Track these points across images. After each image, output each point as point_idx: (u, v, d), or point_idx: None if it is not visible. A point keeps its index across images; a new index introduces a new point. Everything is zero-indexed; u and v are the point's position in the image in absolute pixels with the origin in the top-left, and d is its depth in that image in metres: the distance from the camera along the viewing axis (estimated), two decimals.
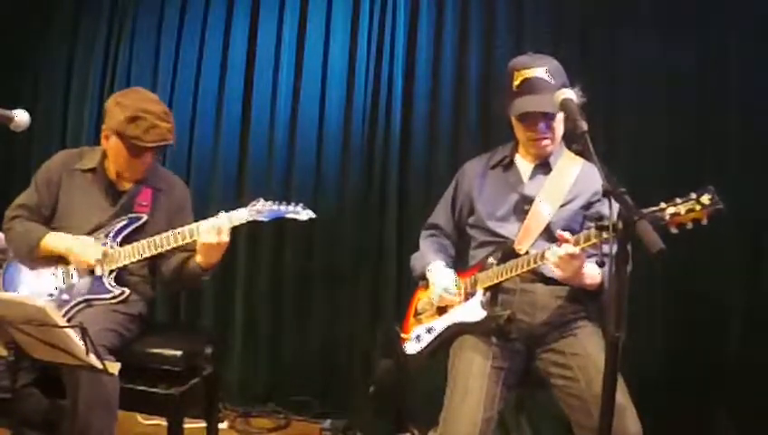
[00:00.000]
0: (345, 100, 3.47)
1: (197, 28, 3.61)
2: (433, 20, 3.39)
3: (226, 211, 2.34)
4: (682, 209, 1.70)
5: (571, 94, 1.83)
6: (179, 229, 2.34)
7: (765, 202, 2.98)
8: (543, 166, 2.22)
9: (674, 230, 1.72)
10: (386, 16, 3.42)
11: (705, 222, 1.70)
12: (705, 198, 1.68)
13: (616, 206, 1.52)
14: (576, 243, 1.90)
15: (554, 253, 1.92)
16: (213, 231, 2.26)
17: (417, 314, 2.33)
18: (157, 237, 2.35)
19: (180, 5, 3.63)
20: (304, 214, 2.41)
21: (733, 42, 3.06)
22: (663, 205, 1.73)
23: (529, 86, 2.11)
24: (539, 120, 2.13)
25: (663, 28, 3.12)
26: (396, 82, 3.40)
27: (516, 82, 2.14)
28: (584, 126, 1.68)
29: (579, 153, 2.23)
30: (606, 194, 1.54)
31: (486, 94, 3.30)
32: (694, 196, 1.70)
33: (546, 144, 2.18)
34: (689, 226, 1.70)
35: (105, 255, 2.35)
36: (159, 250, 2.35)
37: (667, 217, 1.71)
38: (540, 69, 2.11)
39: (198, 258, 2.34)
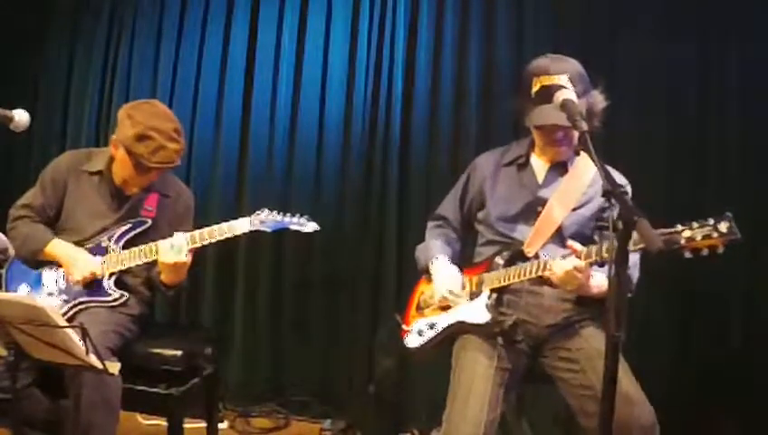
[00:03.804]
0: (345, 100, 3.47)
1: (197, 28, 3.61)
2: (433, 20, 3.39)
3: (230, 220, 2.34)
4: (698, 235, 1.65)
5: (570, 94, 1.81)
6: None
7: (765, 202, 2.99)
8: (559, 167, 2.17)
9: (688, 255, 1.66)
10: (386, 16, 3.42)
11: (721, 251, 1.64)
12: (723, 226, 1.63)
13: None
14: (587, 256, 1.87)
15: (560, 266, 1.90)
16: (171, 251, 2.25)
17: (419, 307, 2.31)
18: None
19: (180, 6, 3.63)
20: (309, 226, 2.40)
21: (733, 42, 3.06)
22: (679, 227, 1.68)
23: (548, 95, 1.96)
24: (557, 129, 2.06)
25: (663, 28, 3.13)
26: (396, 82, 3.39)
27: (535, 89, 2.05)
28: (584, 126, 1.65)
29: (578, 153, 2.21)
30: (606, 194, 1.52)
31: (486, 94, 3.30)
32: (711, 221, 1.64)
33: (563, 150, 2.13)
34: (705, 252, 1.65)
35: (93, 274, 2.35)
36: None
37: (682, 241, 1.66)
38: (561, 76, 1.99)
39: (162, 276, 2.35)
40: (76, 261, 2.36)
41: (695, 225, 1.67)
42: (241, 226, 2.34)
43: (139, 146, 2.28)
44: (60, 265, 2.40)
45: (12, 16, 3.74)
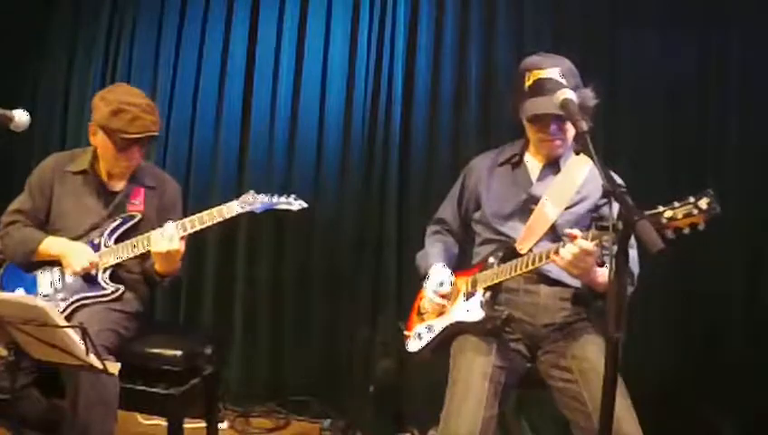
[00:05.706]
0: (345, 100, 3.47)
1: (197, 28, 3.61)
2: (433, 20, 3.39)
3: (219, 205, 2.35)
4: (679, 214, 1.64)
5: (571, 94, 1.81)
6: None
7: (765, 202, 2.99)
8: (553, 166, 2.19)
9: (670, 235, 1.65)
10: (386, 16, 3.42)
11: (702, 227, 1.63)
12: (704, 202, 1.62)
13: (617, 206, 1.51)
14: (594, 238, 1.86)
15: (569, 250, 1.88)
16: (163, 240, 2.26)
17: (419, 312, 2.32)
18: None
19: (180, 6, 3.63)
20: (296, 204, 2.40)
21: (733, 42, 3.06)
22: (660, 208, 1.67)
23: (541, 87, 2.05)
24: (550, 121, 2.09)
25: (663, 28, 3.13)
26: (396, 82, 3.39)
27: (528, 83, 2.10)
28: (584, 126, 1.66)
29: (578, 153, 2.21)
30: (606, 194, 1.52)
31: (486, 94, 3.30)
32: (692, 199, 1.64)
33: (558, 145, 2.15)
34: (686, 231, 1.64)
35: (93, 264, 2.35)
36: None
37: (664, 222, 1.65)
38: (553, 69, 2.06)
39: (156, 266, 2.36)
40: (73, 252, 2.36)
41: (676, 204, 1.66)
42: (229, 209, 2.34)
43: (116, 120, 2.32)
44: (55, 265, 2.40)
45: (12, 17, 3.74)
